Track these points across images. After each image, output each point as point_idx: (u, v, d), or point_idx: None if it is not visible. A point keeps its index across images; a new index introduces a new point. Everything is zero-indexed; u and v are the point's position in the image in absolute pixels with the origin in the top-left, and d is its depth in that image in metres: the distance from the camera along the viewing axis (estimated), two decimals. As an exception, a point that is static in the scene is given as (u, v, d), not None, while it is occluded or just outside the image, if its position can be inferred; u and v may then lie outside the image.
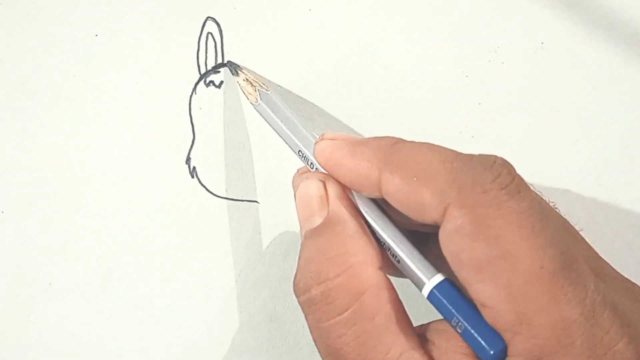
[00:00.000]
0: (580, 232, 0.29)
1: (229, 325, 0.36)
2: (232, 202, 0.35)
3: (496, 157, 0.25)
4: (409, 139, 0.35)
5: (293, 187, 0.30)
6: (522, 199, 0.24)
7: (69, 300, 0.35)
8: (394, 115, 0.35)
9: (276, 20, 0.35)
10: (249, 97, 0.32)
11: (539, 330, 0.22)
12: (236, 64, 0.34)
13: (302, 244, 0.28)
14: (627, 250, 0.35)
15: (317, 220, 0.27)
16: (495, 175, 0.24)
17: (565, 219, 0.25)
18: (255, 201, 0.35)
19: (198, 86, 0.35)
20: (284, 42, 0.35)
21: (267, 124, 0.32)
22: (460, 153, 0.25)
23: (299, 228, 0.28)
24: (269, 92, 0.32)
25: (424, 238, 0.28)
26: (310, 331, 0.26)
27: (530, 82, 0.35)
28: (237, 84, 0.34)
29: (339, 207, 0.27)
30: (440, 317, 0.25)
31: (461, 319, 0.24)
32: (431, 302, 0.25)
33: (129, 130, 0.35)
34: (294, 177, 0.31)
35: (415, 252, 0.26)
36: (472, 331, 0.24)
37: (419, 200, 0.25)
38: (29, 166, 0.35)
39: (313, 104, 0.35)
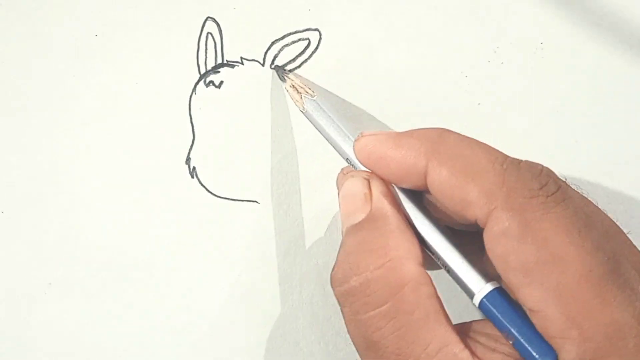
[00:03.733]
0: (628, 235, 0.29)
1: (229, 325, 0.36)
2: (232, 202, 0.35)
3: (542, 165, 0.25)
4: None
5: (337, 186, 0.30)
6: (567, 206, 0.24)
7: (69, 300, 0.35)
8: (394, 115, 0.35)
9: (276, 20, 0.35)
10: (296, 104, 0.32)
11: (591, 333, 0.22)
12: (283, 69, 0.34)
13: (342, 239, 0.28)
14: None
15: (360, 216, 0.27)
16: (543, 184, 0.24)
17: (613, 222, 0.26)
18: (255, 201, 0.35)
19: (198, 86, 0.35)
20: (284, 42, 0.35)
21: (315, 129, 0.32)
22: (508, 156, 0.26)
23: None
24: (314, 99, 0.32)
25: (460, 237, 0.28)
26: (346, 323, 0.26)
27: (530, 82, 0.35)
28: (285, 90, 0.34)
29: (382, 204, 0.27)
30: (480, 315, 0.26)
31: (513, 330, 0.24)
32: (482, 310, 0.25)
33: (129, 131, 0.35)
34: (338, 176, 0.31)
35: (464, 260, 0.26)
36: (523, 341, 0.24)
37: (465, 196, 0.25)
38: (29, 166, 0.35)
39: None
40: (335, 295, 0.27)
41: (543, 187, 0.24)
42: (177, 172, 0.35)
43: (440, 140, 0.26)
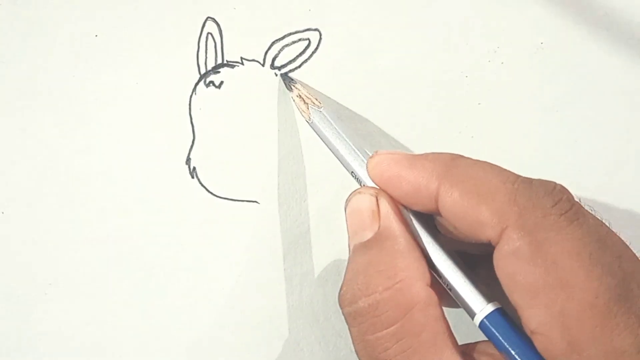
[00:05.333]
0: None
1: (229, 325, 0.36)
2: (232, 202, 0.35)
3: (555, 183, 0.25)
4: (409, 138, 0.35)
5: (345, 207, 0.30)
6: (580, 226, 0.24)
7: (69, 300, 0.35)
8: (394, 115, 0.35)
9: (276, 20, 0.35)
10: (303, 114, 0.32)
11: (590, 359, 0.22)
12: (290, 78, 0.34)
13: (350, 257, 0.28)
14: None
15: (368, 235, 0.27)
16: (556, 201, 0.24)
17: (626, 245, 0.26)
18: (255, 201, 0.35)
19: (198, 86, 0.35)
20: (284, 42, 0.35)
21: (321, 140, 0.32)
22: (520, 175, 0.26)
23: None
24: (321, 110, 0.32)
25: (472, 261, 0.28)
26: (353, 342, 0.26)
27: (530, 82, 0.35)
28: (292, 100, 0.34)
29: (390, 222, 0.27)
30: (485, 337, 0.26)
31: (512, 351, 0.24)
32: (482, 331, 0.26)
33: (129, 131, 0.35)
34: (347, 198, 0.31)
35: (467, 280, 0.26)
36: None
37: (477, 217, 0.25)
38: (29, 166, 0.35)
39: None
40: (344, 314, 0.27)
41: (556, 204, 0.24)
42: (177, 172, 0.35)
43: (452, 163, 0.26)
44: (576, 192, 0.35)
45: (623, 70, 0.35)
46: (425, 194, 0.26)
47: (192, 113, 0.35)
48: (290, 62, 0.35)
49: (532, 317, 0.24)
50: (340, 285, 0.27)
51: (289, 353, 0.36)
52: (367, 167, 0.29)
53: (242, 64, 0.35)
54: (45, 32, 0.34)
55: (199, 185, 0.35)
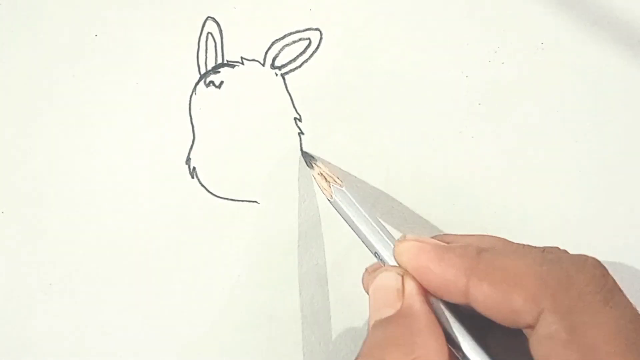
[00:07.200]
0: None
1: (229, 325, 0.35)
2: (232, 202, 0.35)
3: (587, 257, 0.25)
4: (409, 138, 0.35)
5: (363, 286, 0.30)
6: (615, 307, 0.24)
7: (69, 300, 0.35)
8: (394, 115, 0.35)
9: (276, 20, 0.35)
10: (324, 192, 0.33)
11: None
12: (311, 156, 0.35)
13: (368, 332, 0.27)
14: (627, 250, 0.35)
15: (390, 311, 0.27)
16: (590, 278, 0.24)
17: None
18: (255, 201, 0.35)
19: (198, 86, 0.35)
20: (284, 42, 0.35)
21: (341, 217, 0.32)
22: (547, 253, 0.26)
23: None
24: (342, 188, 0.32)
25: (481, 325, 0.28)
26: None
27: (530, 82, 0.35)
28: (312, 178, 0.34)
29: (413, 302, 0.27)
30: None
31: None
32: None
33: (129, 131, 0.35)
34: (363, 275, 0.31)
35: None
36: None
37: (511, 306, 0.25)
38: (29, 166, 0.35)
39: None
40: None
41: (590, 282, 0.24)
42: (177, 172, 0.35)
43: (479, 257, 0.26)
44: (576, 192, 0.35)
45: (623, 70, 0.35)
46: (454, 289, 0.26)
47: (192, 113, 0.35)
48: (290, 61, 0.35)
49: None
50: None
51: (289, 353, 0.36)
52: (394, 252, 0.29)
53: (242, 63, 0.35)
54: (45, 32, 0.34)
55: (199, 185, 0.35)
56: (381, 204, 0.35)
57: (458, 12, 0.35)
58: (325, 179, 0.33)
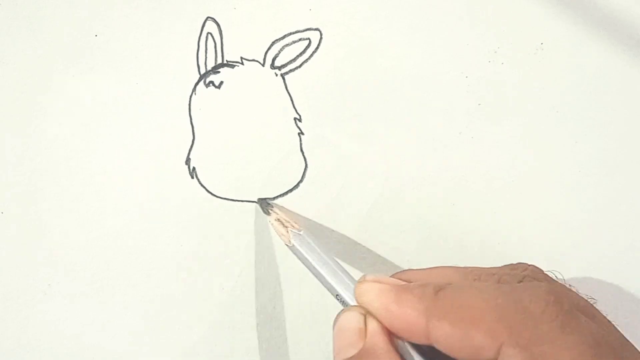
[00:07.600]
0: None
1: (229, 325, 0.35)
2: (232, 202, 0.35)
3: (540, 284, 0.25)
4: (409, 138, 0.35)
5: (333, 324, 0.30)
6: (573, 332, 0.24)
7: (68, 301, 0.35)
8: (394, 115, 0.35)
9: (276, 20, 0.35)
10: (282, 237, 0.33)
11: None
12: (267, 202, 0.35)
13: None
14: (627, 250, 0.35)
15: (352, 352, 0.27)
16: (544, 306, 0.24)
17: (623, 340, 0.26)
18: (255, 201, 0.35)
19: (198, 86, 0.35)
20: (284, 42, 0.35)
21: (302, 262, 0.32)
22: (502, 286, 0.26)
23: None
24: (301, 233, 0.32)
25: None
26: None
27: (530, 82, 0.35)
28: (269, 224, 0.34)
29: (375, 342, 0.27)
30: None
31: None
32: None
33: (129, 131, 0.35)
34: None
35: None
36: None
37: (472, 343, 0.25)
38: (29, 166, 0.35)
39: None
40: None
41: (545, 309, 0.24)
42: (177, 172, 0.35)
43: (437, 296, 0.26)
44: (576, 192, 0.35)
45: (623, 70, 0.35)
46: (415, 330, 0.26)
47: (192, 113, 0.35)
48: (290, 61, 0.35)
49: None
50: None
51: (289, 353, 0.36)
52: (354, 293, 0.29)
53: (242, 64, 0.35)
54: (45, 32, 0.34)
55: (199, 185, 0.35)
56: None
57: (458, 12, 0.35)
58: (283, 224, 0.33)
